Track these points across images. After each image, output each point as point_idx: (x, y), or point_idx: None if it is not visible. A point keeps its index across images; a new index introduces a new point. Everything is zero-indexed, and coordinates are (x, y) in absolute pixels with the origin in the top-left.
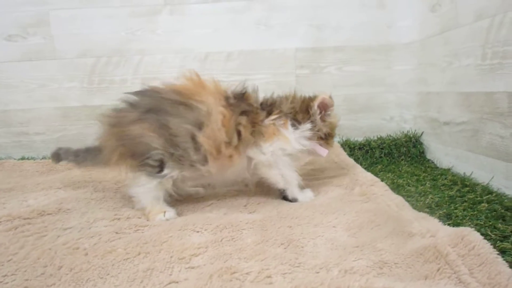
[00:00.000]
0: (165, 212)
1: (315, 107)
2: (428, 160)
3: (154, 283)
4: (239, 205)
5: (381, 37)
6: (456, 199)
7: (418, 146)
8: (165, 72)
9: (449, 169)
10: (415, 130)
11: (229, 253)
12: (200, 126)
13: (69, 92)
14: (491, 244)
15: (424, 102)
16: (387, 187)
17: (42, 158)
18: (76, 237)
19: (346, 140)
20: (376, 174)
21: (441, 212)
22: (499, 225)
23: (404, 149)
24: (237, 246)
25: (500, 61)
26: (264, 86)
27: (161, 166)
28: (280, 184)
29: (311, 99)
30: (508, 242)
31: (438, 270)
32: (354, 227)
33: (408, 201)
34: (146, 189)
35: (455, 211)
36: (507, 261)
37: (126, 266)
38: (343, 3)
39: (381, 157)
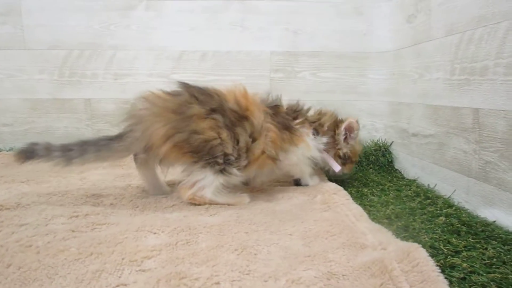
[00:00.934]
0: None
1: (342, 128)
2: (396, 170)
3: (102, 285)
4: (201, 207)
5: (356, 45)
6: (416, 211)
7: (387, 155)
8: (138, 68)
9: (414, 180)
10: (385, 139)
11: (182, 257)
12: (254, 138)
13: (38, 84)
14: (441, 259)
15: (395, 112)
16: (348, 196)
17: (9, 150)
18: (30, 234)
19: None
20: (342, 182)
21: (399, 223)
22: (453, 239)
23: (373, 157)
24: (191, 251)
25: (467, 77)
26: None
27: (225, 165)
28: (297, 175)
29: (341, 121)
30: (458, 257)
31: (381, 285)
32: (310, 236)
33: (369, 211)
34: (215, 184)
35: (413, 223)
36: (454, 277)
37: (76, 267)
38: (320, 10)
39: None
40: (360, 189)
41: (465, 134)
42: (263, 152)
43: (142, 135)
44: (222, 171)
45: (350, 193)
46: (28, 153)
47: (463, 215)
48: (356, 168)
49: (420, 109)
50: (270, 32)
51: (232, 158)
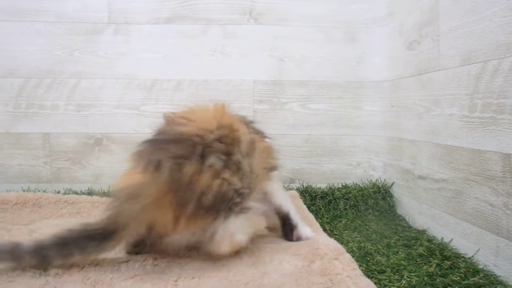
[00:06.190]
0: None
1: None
2: (399, 216)
3: None
4: (167, 277)
5: (349, 74)
6: (437, 281)
7: (388, 198)
8: (104, 99)
9: (424, 231)
10: (384, 180)
11: None
12: (250, 155)
13: None
14: None
15: (395, 149)
16: (354, 264)
17: None
18: None
19: (307, 187)
20: (340, 233)
21: None
22: None
23: (372, 201)
24: None
25: (493, 115)
26: None
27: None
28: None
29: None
30: None
31: None
32: None
33: (379, 280)
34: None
35: None
36: None
37: None
38: (307, 35)
39: (345, 209)
40: (363, 245)
41: (492, 183)
42: (264, 168)
43: (142, 232)
44: (242, 210)
45: (351, 250)
46: None
47: None
48: (353, 213)
49: (428, 148)
50: (253, 59)
51: (245, 190)
